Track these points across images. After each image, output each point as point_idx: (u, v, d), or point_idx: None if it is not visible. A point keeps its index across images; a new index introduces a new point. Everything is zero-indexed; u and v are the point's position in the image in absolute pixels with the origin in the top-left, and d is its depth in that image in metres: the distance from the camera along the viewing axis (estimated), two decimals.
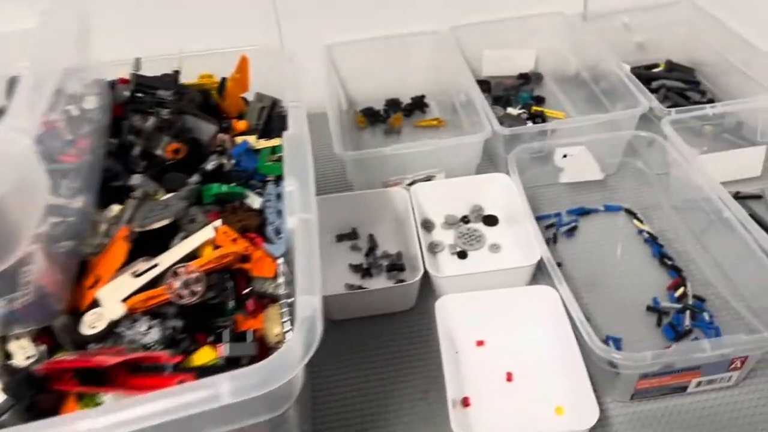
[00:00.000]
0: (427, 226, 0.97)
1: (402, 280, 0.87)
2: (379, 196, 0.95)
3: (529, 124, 1.14)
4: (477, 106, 1.00)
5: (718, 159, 0.96)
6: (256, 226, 0.68)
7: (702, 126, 0.97)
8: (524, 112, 1.16)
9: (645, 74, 1.21)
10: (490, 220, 0.96)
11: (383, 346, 0.82)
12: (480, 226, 0.96)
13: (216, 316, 0.63)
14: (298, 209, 0.60)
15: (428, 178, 0.98)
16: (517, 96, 1.21)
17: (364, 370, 0.79)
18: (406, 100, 1.25)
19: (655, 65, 1.25)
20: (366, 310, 0.85)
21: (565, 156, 0.93)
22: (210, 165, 0.73)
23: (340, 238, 0.96)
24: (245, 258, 0.64)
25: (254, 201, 0.71)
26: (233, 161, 0.75)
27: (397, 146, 0.94)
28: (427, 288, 0.85)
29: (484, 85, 1.25)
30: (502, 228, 0.95)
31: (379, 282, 0.89)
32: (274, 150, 0.76)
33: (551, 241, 0.93)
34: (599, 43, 1.18)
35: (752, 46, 1.06)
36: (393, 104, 1.24)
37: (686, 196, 0.91)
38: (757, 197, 0.96)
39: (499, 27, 1.22)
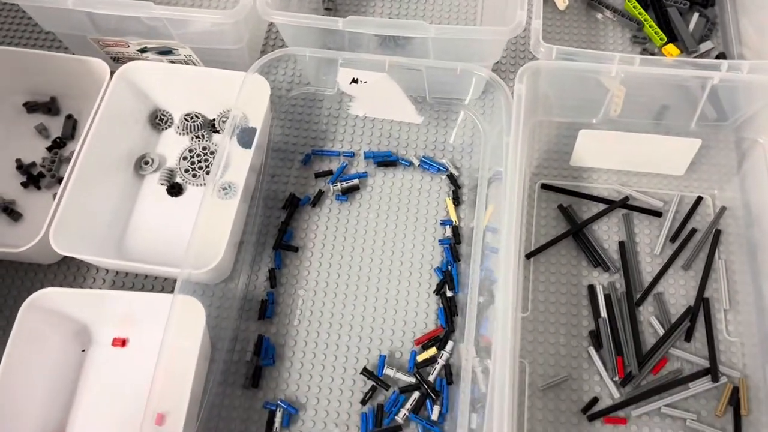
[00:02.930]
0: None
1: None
2: (74, 65, 0.61)
3: None
4: None
5: (621, 140, 0.58)
6: None
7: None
8: None
9: None
10: (248, 139, 0.63)
11: None
12: (232, 144, 0.64)
13: None
14: None
15: (166, 51, 0.63)
16: None
17: None
18: None
19: None
20: None
21: (355, 81, 0.56)
22: None
23: (33, 108, 0.66)
24: None
25: None
26: None
27: None
28: None
29: None
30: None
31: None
32: None
33: (314, 203, 0.61)
34: None
35: None
36: None
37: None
38: (655, 214, 0.60)
39: None
